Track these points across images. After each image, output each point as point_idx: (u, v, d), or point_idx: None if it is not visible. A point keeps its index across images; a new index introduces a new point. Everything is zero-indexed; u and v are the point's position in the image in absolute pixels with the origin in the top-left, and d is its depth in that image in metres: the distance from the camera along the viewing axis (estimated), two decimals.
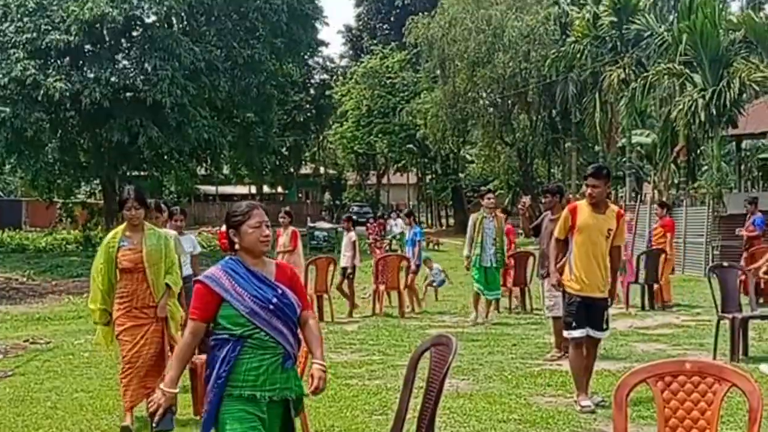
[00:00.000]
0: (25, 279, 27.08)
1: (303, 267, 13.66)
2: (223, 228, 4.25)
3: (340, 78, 58.83)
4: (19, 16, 32.32)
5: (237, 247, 4.13)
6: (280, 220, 13.86)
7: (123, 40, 35.98)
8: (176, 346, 4.53)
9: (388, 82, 52.71)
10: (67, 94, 31.36)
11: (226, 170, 53.57)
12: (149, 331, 6.86)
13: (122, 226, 6.97)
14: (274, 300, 4.05)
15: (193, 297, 4.11)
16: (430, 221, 63.36)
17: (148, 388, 6.64)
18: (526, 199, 11.98)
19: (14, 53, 32.00)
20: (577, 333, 7.57)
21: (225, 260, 4.14)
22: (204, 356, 4.47)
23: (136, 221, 7.05)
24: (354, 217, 19.34)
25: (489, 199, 13.53)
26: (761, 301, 14.17)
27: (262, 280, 4.10)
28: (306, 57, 47.66)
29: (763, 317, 10.52)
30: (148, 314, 6.90)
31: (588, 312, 7.55)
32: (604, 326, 7.70)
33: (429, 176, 60.02)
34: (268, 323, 4.02)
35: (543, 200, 10.93)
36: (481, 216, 13.25)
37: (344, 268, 15.35)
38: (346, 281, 15.58)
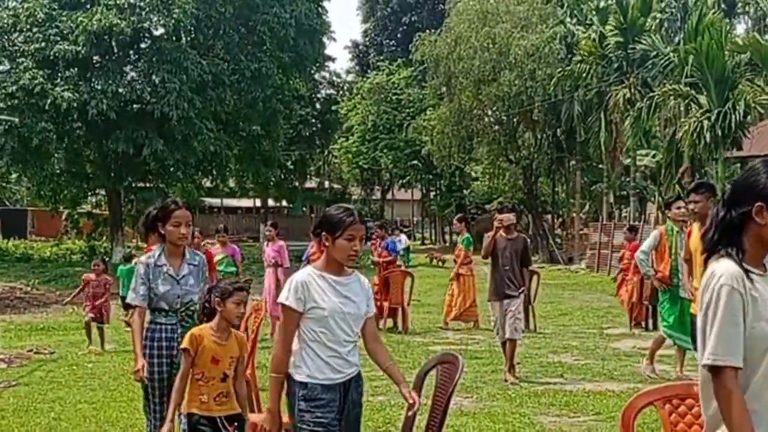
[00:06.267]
0: (29, 288, 27.03)
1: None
2: None
3: (347, 93, 58.97)
4: (28, 26, 32.42)
5: None
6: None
7: (131, 52, 36.12)
8: None
9: (394, 98, 52.86)
10: (75, 104, 31.41)
11: (231, 183, 53.68)
12: None
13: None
14: None
15: None
16: (433, 237, 63.46)
17: None
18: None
19: (23, 62, 32.13)
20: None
21: None
22: None
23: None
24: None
25: (680, 209, 9.58)
26: None
27: None
28: (312, 72, 47.76)
29: None
30: None
31: None
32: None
33: (433, 192, 60.07)
34: None
35: (503, 219, 9.87)
36: (674, 231, 9.73)
37: None
38: None
